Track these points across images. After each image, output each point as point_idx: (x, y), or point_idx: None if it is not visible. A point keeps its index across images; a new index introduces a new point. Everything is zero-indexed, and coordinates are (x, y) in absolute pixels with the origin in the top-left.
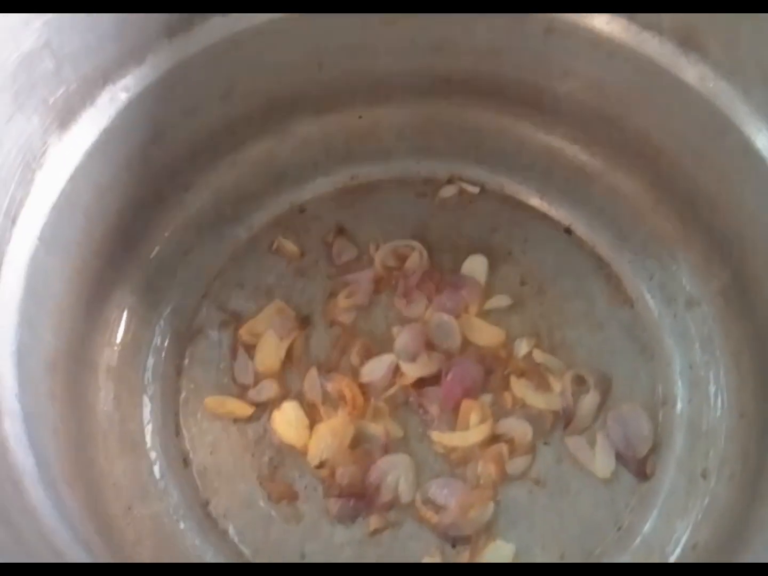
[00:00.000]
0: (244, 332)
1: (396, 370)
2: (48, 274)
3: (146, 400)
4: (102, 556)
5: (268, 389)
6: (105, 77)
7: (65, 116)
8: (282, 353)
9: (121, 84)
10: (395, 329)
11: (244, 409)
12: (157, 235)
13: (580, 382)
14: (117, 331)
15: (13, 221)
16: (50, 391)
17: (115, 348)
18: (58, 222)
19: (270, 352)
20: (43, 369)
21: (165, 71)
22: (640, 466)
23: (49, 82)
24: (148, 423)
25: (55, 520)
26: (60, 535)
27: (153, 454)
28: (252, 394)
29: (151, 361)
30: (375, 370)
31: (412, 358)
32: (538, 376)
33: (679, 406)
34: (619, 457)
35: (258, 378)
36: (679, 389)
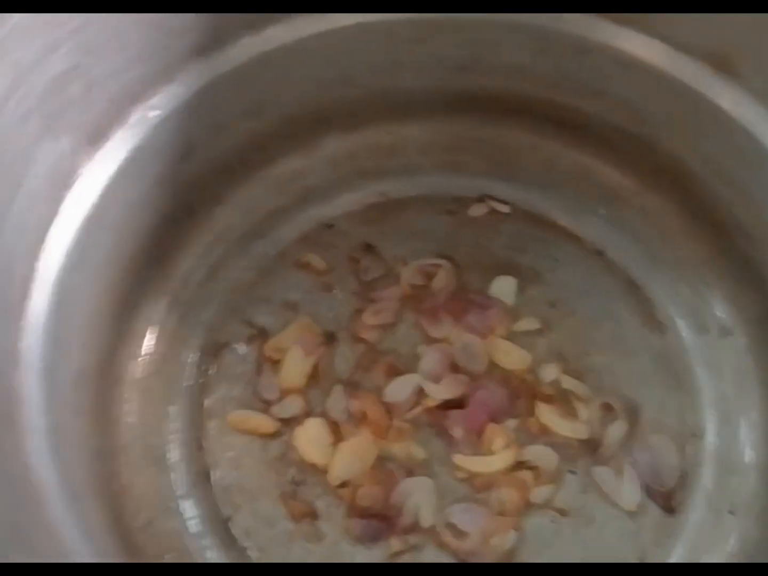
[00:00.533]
0: (269, 348)
1: (420, 391)
2: (76, 291)
3: (171, 413)
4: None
5: (292, 406)
6: (134, 97)
7: (95, 136)
8: (307, 369)
9: (151, 103)
10: (420, 349)
11: (268, 426)
12: (185, 250)
13: (607, 409)
14: (143, 345)
15: (42, 240)
16: (76, 405)
17: (142, 361)
18: (86, 240)
19: (295, 368)
20: (70, 384)
21: (195, 90)
22: (666, 499)
23: (79, 104)
24: (171, 436)
25: (76, 539)
26: (81, 555)
27: (175, 468)
28: (276, 410)
29: (176, 375)
30: (399, 390)
31: (437, 380)
32: (564, 402)
33: (708, 438)
34: (646, 489)
35: (282, 394)
36: (709, 421)
